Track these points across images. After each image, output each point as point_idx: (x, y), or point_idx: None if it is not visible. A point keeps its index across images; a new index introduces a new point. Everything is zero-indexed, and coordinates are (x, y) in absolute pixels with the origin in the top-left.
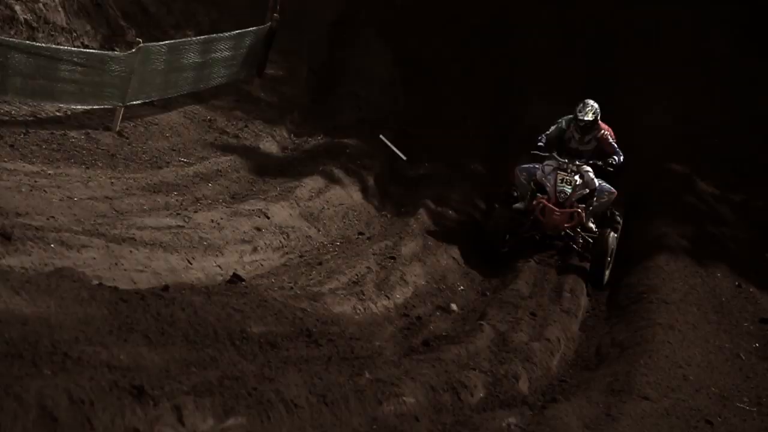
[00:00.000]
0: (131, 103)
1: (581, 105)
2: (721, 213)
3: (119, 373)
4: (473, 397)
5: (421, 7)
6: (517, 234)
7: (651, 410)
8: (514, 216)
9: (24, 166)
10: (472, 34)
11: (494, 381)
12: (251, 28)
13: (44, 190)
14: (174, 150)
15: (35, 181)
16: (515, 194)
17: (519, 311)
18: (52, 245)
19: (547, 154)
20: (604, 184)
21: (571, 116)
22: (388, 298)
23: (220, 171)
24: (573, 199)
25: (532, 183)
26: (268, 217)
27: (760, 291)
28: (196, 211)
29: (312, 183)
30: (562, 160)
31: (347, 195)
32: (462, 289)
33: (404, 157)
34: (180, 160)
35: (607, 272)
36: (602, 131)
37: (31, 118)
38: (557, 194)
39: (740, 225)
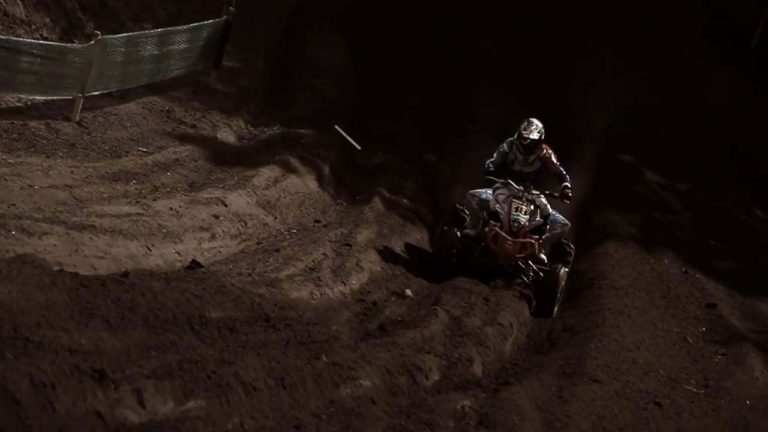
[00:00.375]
0: (90, 93)
1: (525, 123)
2: (668, 201)
3: (80, 357)
4: (428, 380)
5: None
6: (466, 260)
7: (602, 392)
8: (464, 241)
9: None
10: (426, 26)
11: (449, 365)
12: (208, 21)
13: (5, 179)
14: (133, 140)
15: None
16: (465, 215)
17: (472, 296)
18: (13, 232)
19: (502, 180)
20: (558, 215)
21: (512, 138)
22: (345, 284)
23: (179, 160)
24: (527, 229)
25: (484, 212)
26: (226, 205)
27: (706, 277)
28: (155, 199)
29: (269, 172)
30: (518, 188)
31: (303, 184)
32: (416, 276)
33: (359, 147)
34: (139, 150)
35: (557, 306)
36: (544, 151)
37: None
38: (511, 223)
39: (686, 213)
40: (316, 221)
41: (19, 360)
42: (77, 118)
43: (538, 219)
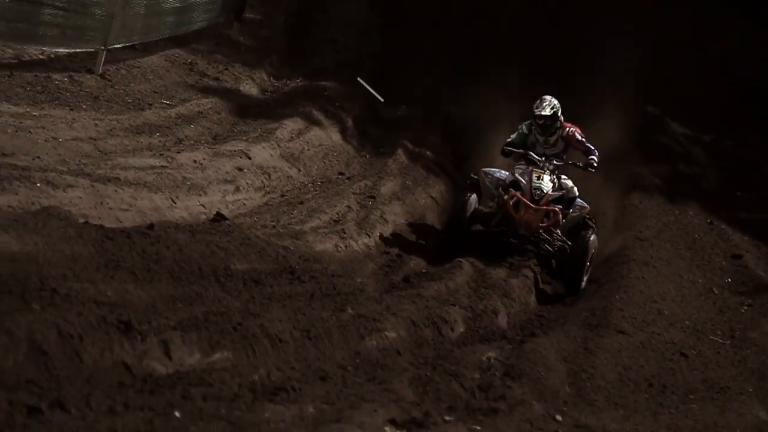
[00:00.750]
0: (113, 46)
1: (537, 102)
2: (693, 153)
3: (107, 308)
4: (453, 332)
5: None
6: (485, 227)
7: (627, 343)
8: (477, 215)
9: (9, 108)
10: None
11: (474, 316)
12: None
13: (29, 131)
14: (156, 92)
15: (20, 123)
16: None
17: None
18: (38, 184)
19: (521, 151)
20: (578, 199)
21: (530, 120)
22: (369, 236)
23: (202, 113)
24: (549, 199)
25: (500, 188)
26: (250, 158)
27: (731, 227)
28: (178, 152)
29: (292, 124)
30: (538, 158)
31: (327, 136)
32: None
33: (382, 99)
34: (162, 102)
35: (585, 278)
36: (567, 129)
37: (15, 61)
38: (532, 191)
39: (711, 164)
40: (340, 173)
41: (46, 311)
42: (100, 71)
43: (561, 191)
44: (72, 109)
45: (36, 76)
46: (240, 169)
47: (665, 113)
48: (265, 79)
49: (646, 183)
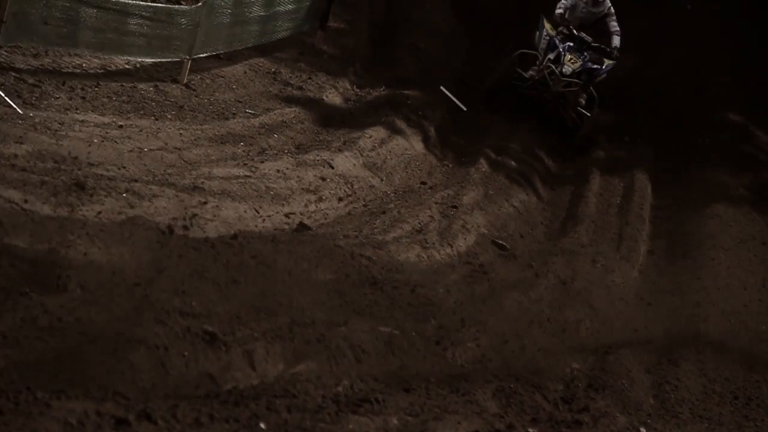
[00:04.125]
0: (198, 56)
1: None
2: None
3: (192, 319)
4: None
5: None
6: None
7: (711, 355)
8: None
9: (95, 118)
10: None
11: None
12: None
13: (115, 141)
14: (240, 101)
15: (107, 132)
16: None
17: (579, 259)
18: (124, 195)
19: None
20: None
21: None
22: (451, 246)
23: (285, 122)
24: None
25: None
26: (333, 167)
27: None
28: (262, 162)
29: (375, 133)
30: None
31: (409, 145)
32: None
33: (464, 108)
34: (246, 112)
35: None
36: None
37: (102, 71)
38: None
39: None
40: (422, 183)
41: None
42: (185, 81)
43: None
44: (157, 119)
45: (122, 86)
46: (323, 179)
47: (749, 121)
48: (348, 88)
49: (730, 192)
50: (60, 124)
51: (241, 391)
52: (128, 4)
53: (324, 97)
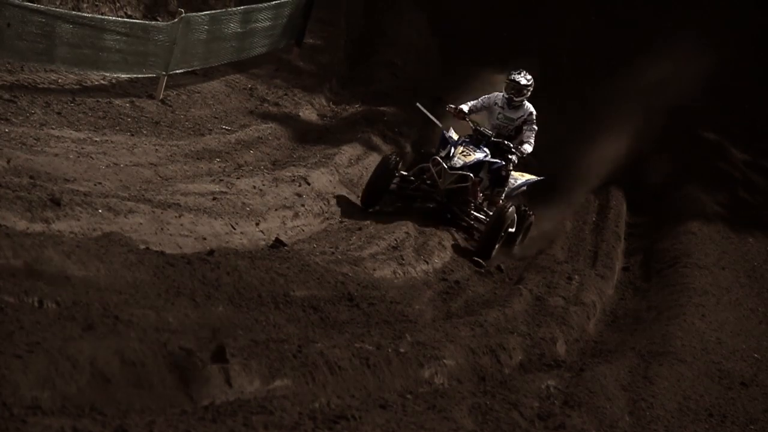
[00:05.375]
0: (174, 71)
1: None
2: (753, 180)
3: (168, 335)
4: (512, 359)
5: None
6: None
7: (687, 373)
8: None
9: (71, 134)
10: (508, 3)
11: (532, 344)
12: None
13: (91, 157)
14: (216, 117)
15: (82, 148)
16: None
17: (555, 276)
18: (99, 210)
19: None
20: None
21: (500, 93)
22: (427, 263)
23: (261, 138)
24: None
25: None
26: (309, 184)
27: None
28: (238, 178)
29: (351, 150)
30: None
31: None
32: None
33: (440, 125)
34: (222, 128)
35: (497, 246)
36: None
37: (78, 87)
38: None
39: None
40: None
41: (108, 338)
42: (161, 96)
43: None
44: (133, 135)
45: (98, 101)
46: (299, 195)
47: (724, 138)
48: (324, 104)
49: (705, 209)
50: (36, 139)
51: (217, 407)
52: (104, 20)
53: (300, 114)
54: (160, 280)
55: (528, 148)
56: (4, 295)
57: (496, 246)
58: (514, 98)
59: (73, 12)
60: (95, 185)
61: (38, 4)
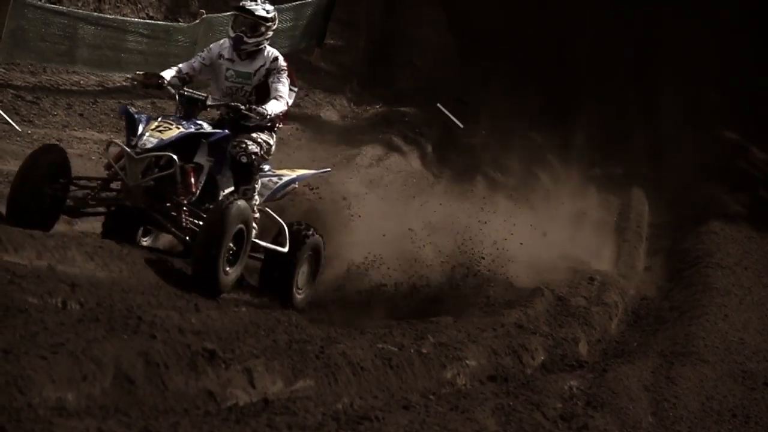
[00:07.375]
0: None
1: None
2: None
3: (191, 336)
4: (534, 360)
5: None
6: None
7: (710, 373)
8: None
9: (93, 135)
10: (527, 4)
11: (554, 344)
12: (311, 0)
13: None
14: None
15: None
16: None
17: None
18: None
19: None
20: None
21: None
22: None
23: (283, 139)
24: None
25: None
26: (330, 184)
27: None
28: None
29: (372, 151)
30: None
31: (406, 162)
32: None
33: (461, 125)
34: None
35: (239, 269)
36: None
37: (100, 88)
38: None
39: None
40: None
41: (132, 339)
42: None
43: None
44: None
45: (119, 102)
46: (320, 198)
47: (744, 138)
48: (345, 105)
49: (727, 209)
50: (58, 141)
51: (241, 409)
52: (126, 21)
53: (321, 114)
54: (183, 281)
55: (276, 105)
56: (27, 296)
57: (239, 269)
58: (246, 39)
59: (95, 13)
60: None
61: (60, 5)
